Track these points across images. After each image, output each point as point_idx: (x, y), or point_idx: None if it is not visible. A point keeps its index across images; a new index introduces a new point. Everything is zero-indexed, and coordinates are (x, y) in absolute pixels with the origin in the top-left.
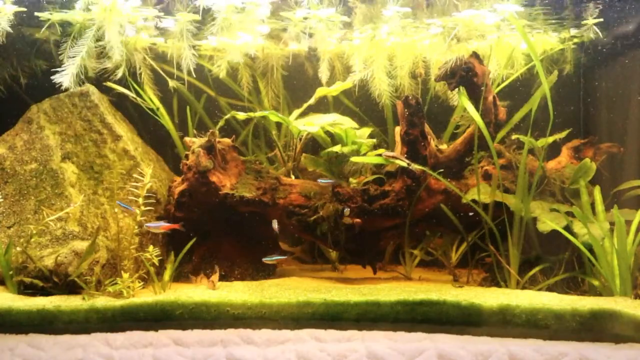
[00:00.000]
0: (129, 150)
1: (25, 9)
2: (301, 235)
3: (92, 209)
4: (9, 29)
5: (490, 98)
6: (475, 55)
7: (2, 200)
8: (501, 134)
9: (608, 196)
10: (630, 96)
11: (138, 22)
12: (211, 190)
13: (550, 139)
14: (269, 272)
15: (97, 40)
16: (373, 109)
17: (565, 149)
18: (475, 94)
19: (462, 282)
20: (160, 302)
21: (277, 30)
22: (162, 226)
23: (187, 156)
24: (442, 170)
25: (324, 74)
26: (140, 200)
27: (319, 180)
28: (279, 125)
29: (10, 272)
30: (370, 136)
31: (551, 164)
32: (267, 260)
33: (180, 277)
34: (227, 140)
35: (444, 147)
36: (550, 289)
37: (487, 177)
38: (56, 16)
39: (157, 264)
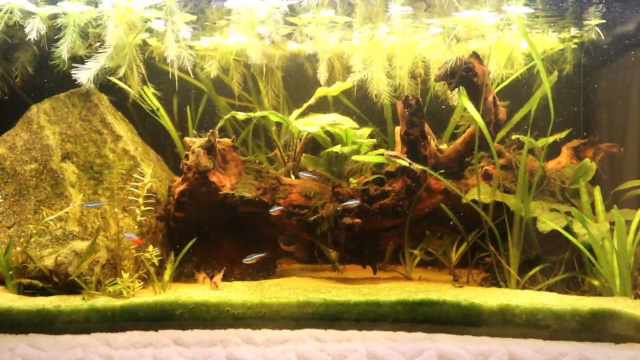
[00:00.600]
0: (129, 150)
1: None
2: (301, 235)
3: (92, 209)
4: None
5: (490, 98)
6: (475, 55)
7: (2, 200)
8: (501, 134)
9: (608, 196)
10: (630, 96)
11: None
12: (211, 190)
13: (551, 139)
14: (269, 272)
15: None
16: (373, 109)
17: (565, 149)
18: (475, 94)
19: (462, 282)
20: (160, 302)
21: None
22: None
23: (187, 156)
24: (442, 170)
25: (322, 74)
26: (141, 200)
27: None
28: (279, 125)
29: (10, 272)
30: (370, 136)
31: (551, 164)
32: (247, 260)
33: (180, 277)
34: (227, 140)
35: (444, 147)
36: (550, 289)
37: (487, 177)
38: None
39: (157, 264)
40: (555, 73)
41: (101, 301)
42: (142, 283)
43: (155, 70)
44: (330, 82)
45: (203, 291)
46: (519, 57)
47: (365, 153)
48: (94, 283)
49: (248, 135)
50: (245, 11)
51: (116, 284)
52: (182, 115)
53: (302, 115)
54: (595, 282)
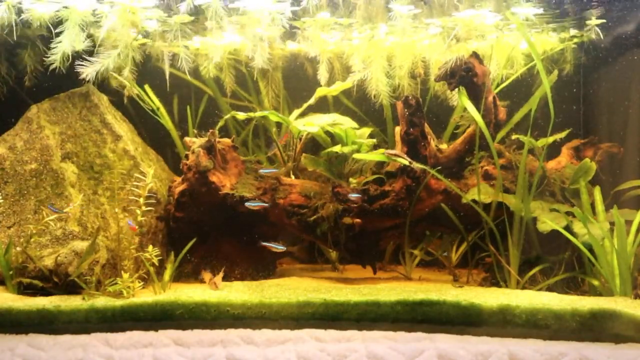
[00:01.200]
0: (129, 150)
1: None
2: (301, 235)
3: (92, 209)
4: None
5: (490, 98)
6: (475, 55)
7: (2, 200)
8: (501, 134)
9: (608, 196)
10: (630, 96)
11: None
12: (211, 190)
13: (551, 139)
14: (269, 272)
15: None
16: (373, 109)
17: (565, 149)
18: (475, 94)
19: (462, 282)
20: (160, 302)
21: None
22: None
23: (187, 156)
24: (442, 169)
25: (322, 75)
26: (141, 200)
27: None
28: (279, 125)
29: (10, 272)
30: (370, 136)
31: (551, 164)
32: (274, 248)
33: (180, 277)
34: (227, 140)
35: (444, 147)
36: (550, 289)
37: (487, 177)
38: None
39: (157, 264)
40: (555, 73)
41: (101, 301)
42: (142, 283)
43: (154, 70)
44: (330, 82)
45: (203, 291)
46: (519, 57)
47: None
48: (94, 283)
49: (248, 135)
50: (253, 14)
51: (116, 284)
52: (182, 115)
53: (302, 115)
54: (595, 282)
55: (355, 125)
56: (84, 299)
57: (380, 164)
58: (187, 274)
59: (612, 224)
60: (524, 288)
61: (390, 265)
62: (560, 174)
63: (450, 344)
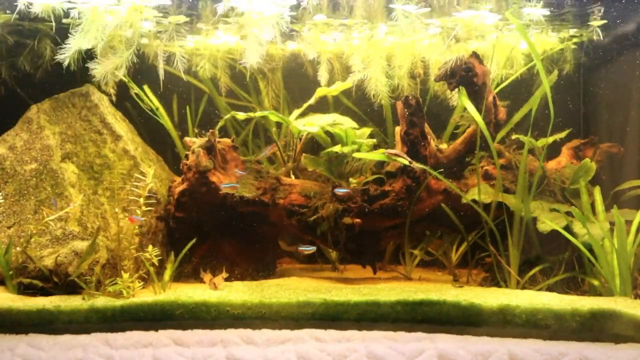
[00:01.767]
0: (129, 150)
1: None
2: (301, 235)
3: (92, 209)
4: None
5: (490, 98)
6: (475, 55)
7: (2, 200)
8: (501, 134)
9: (608, 196)
10: (630, 96)
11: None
12: (211, 190)
13: (551, 139)
14: (269, 272)
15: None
16: (373, 109)
17: (565, 149)
18: (475, 94)
19: (462, 282)
20: (160, 302)
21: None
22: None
23: (187, 156)
24: (442, 170)
25: (323, 76)
26: (141, 200)
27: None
28: (279, 125)
29: (10, 272)
30: (370, 136)
31: (551, 164)
32: (303, 250)
33: (180, 277)
34: (227, 140)
35: (443, 147)
36: (550, 289)
37: (487, 177)
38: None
39: (157, 264)
40: (555, 72)
41: (101, 301)
42: (142, 283)
43: (153, 70)
44: (330, 82)
45: (203, 291)
46: (519, 57)
47: None
48: (94, 283)
49: (248, 135)
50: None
51: (116, 284)
52: (182, 115)
53: (302, 115)
54: (595, 282)
55: (355, 125)
56: (84, 299)
57: (380, 164)
58: (187, 274)
59: (612, 223)
60: (524, 288)
61: (390, 265)
62: (560, 174)
63: (450, 344)
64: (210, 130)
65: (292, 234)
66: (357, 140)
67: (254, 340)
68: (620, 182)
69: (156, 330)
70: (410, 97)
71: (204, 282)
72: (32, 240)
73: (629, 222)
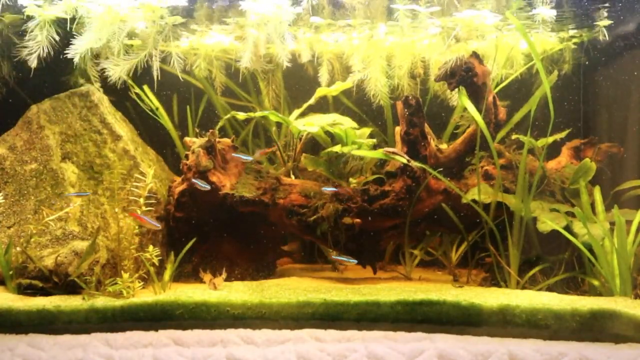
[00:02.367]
0: (129, 150)
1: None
2: (301, 235)
3: (92, 209)
4: None
5: (490, 98)
6: (475, 55)
7: (2, 200)
8: (501, 134)
9: (608, 196)
10: (630, 96)
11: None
12: (211, 190)
13: (551, 139)
14: (269, 272)
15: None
16: (373, 109)
17: (565, 149)
18: (475, 94)
19: (462, 282)
20: (160, 302)
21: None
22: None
23: (187, 156)
24: (441, 170)
25: (324, 77)
26: (141, 200)
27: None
28: (279, 125)
29: (10, 272)
30: (370, 136)
31: (551, 164)
32: (336, 258)
33: (180, 277)
34: (227, 140)
35: (444, 147)
36: (550, 289)
37: (487, 177)
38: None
39: (157, 264)
40: (555, 73)
41: (101, 301)
42: (142, 283)
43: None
44: (330, 82)
45: (203, 291)
46: (519, 57)
47: None
48: (94, 283)
49: (248, 135)
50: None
51: (116, 284)
52: (182, 115)
53: (302, 115)
54: (595, 282)
55: (355, 125)
56: (84, 299)
57: (380, 165)
58: (187, 274)
59: (612, 223)
60: (524, 288)
61: (390, 265)
62: (560, 174)
63: (450, 344)
64: (210, 130)
65: (291, 234)
66: (357, 140)
67: (254, 340)
68: (620, 182)
69: (156, 330)
70: (410, 97)
71: (204, 282)
72: (32, 240)
73: (629, 222)
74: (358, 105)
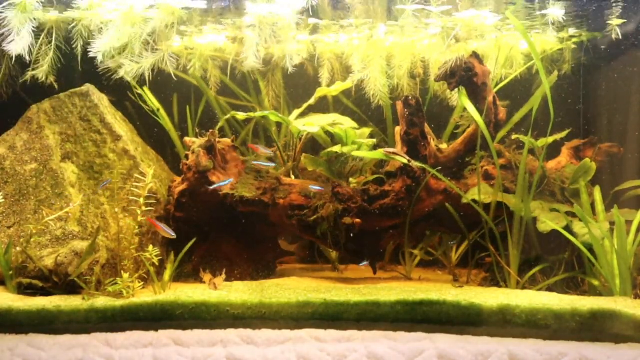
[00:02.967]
0: (129, 150)
1: None
2: (301, 236)
3: (92, 209)
4: None
5: (490, 98)
6: (475, 55)
7: (2, 200)
8: (501, 134)
9: (608, 196)
10: (630, 96)
11: None
12: (211, 190)
13: (551, 139)
14: (269, 272)
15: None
16: (373, 109)
17: (565, 149)
18: (475, 94)
19: (462, 282)
20: (160, 302)
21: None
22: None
23: (187, 156)
24: (439, 167)
25: (324, 77)
26: (141, 200)
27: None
28: (279, 125)
29: (10, 272)
30: (370, 136)
31: (551, 164)
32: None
33: (180, 277)
34: (227, 140)
35: (444, 147)
36: (550, 289)
37: (487, 177)
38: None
39: (157, 264)
40: (555, 73)
41: (101, 301)
42: (142, 283)
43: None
44: (330, 82)
45: (203, 291)
46: (519, 57)
47: None
48: (94, 283)
49: (248, 135)
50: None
51: (116, 284)
52: (182, 116)
53: (302, 115)
54: (595, 282)
55: (355, 125)
56: (84, 299)
57: (380, 165)
58: (187, 274)
59: (612, 223)
60: (524, 288)
61: (390, 265)
62: (560, 174)
63: (450, 344)
64: (210, 131)
65: (292, 234)
66: (357, 140)
67: (254, 340)
68: (620, 182)
69: (156, 330)
70: (410, 97)
71: (204, 282)
72: (32, 240)
73: (629, 222)
74: (358, 105)
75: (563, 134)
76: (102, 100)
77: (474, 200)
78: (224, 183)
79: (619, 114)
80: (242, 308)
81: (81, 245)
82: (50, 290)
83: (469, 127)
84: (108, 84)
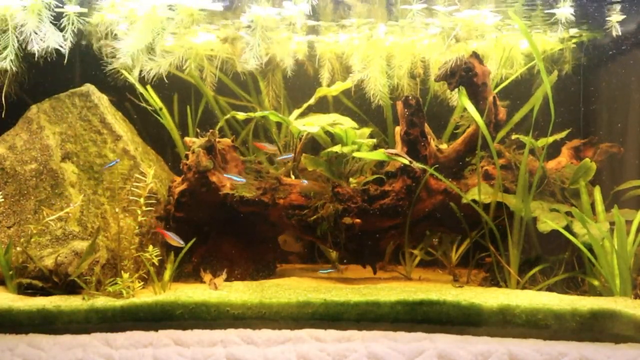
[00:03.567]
0: (129, 150)
1: None
2: (301, 235)
3: (92, 209)
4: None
5: (490, 98)
6: (475, 55)
7: (2, 200)
8: (501, 134)
9: (608, 196)
10: (630, 96)
11: None
12: (211, 190)
13: (551, 139)
14: (269, 272)
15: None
16: (373, 109)
17: (565, 149)
18: (475, 94)
19: (462, 282)
20: (160, 302)
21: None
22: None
23: (187, 156)
24: (438, 166)
25: (324, 78)
26: (141, 200)
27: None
28: (279, 125)
29: (10, 272)
30: (370, 136)
31: (551, 164)
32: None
33: (180, 277)
34: (227, 140)
35: (443, 147)
36: (550, 289)
37: (487, 177)
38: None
39: (157, 264)
40: (555, 73)
41: (101, 301)
42: (142, 283)
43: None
44: (330, 81)
45: (203, 291)
46: (519, 57)
47: None
48: (94, 283)
49: (248, 135)
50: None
51: (116, 284)
52: (182, 115)
53: (302, 115)
54: (595, 282)
55: (355, 125)
56: (84, 299)
57: (380, 164)
58: (187, 274)
59: (612, 224)
60: (524, 288)
61: (390, 265)
62: (560, 174)
63: (450, 344)
64: (210, 130)
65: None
66: (357, 140)
67: (254, 340)
68: (620, 182)
69: (156, 330)
70: (410, 97)
71: (204, 282)
72: (32, 240)
73: (629, 222)
74: (358, 105)
75: (563, 134)
76: (102, 100)
77: (473, 200)
78: (237, 179)
79: (619, 114)
80: (242, 308)
81: (81, 245)
82: (50, 290)
83: (469, 127)
84: (108, 84)
